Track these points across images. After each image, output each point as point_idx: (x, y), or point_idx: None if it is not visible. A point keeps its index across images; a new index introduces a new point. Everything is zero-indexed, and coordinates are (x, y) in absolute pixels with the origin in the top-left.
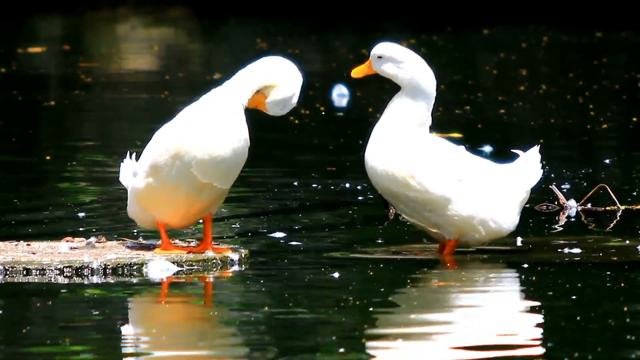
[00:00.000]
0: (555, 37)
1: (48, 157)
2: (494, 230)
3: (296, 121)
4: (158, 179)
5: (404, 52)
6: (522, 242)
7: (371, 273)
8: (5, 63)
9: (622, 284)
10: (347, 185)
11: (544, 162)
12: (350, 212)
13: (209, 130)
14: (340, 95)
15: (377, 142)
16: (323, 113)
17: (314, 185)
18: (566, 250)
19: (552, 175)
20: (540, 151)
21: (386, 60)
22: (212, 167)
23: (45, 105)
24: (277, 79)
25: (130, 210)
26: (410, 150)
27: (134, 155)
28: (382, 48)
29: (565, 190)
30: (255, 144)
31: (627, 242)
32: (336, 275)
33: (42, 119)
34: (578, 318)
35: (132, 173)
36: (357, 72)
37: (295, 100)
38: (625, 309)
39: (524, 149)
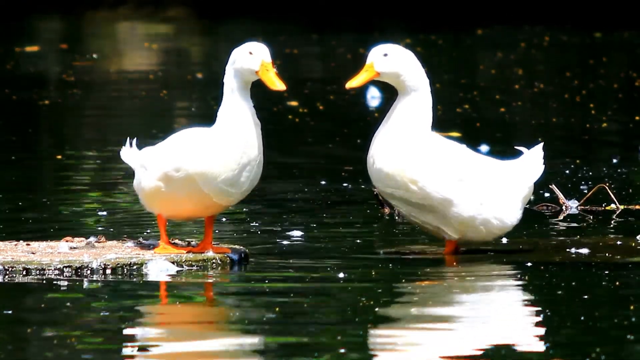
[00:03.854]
0: (553, 37)
1: (59, 157)
2: (497, 227)
3: (296, 119)
4: (168, 187)
5: (406, 50)
6: (508, 241)
7: (374, 273)
8: (0, 62)
9: (626, 283)
10: (347, 185)
11: (545, 161)
12: (350, 211)
13: (228, 159)
14: (373, 97)
15: (380, 147)
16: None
17: (315, 185)
18: (573, 250)
19: (552, 174)
20: (544, 148)
21: (392, 58)
22: (227, 191)
23: (40, 104)
24: None
25: (137, 189)
26: (412, 154)
27: (134, 142)
28: (388, 46)
29: (587, 189)
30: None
31: (628, 241)
32: (341, 275)
33: (37, 118)
34: (582, 318)
35: (140, 165)
36: (354, 82)
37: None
38: (632, 307)
39: (527, 147)
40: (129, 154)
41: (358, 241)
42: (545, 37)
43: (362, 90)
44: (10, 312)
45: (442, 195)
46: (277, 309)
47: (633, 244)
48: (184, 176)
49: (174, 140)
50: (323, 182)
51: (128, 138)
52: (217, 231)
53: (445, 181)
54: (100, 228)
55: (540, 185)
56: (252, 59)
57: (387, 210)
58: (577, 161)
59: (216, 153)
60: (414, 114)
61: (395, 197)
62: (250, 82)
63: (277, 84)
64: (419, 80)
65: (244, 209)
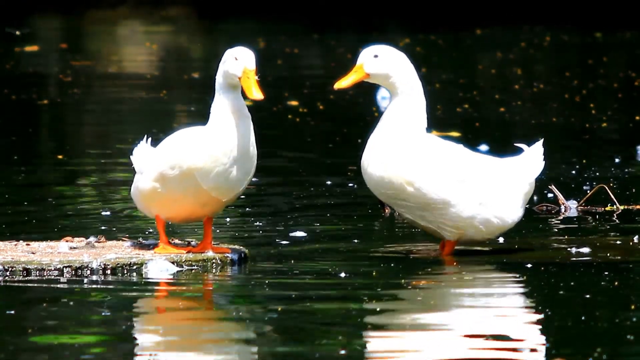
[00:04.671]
0: (553, 37)
1: (60, 157)
2: (497, 225)
3: (297, 119)
4: (164, 186)
5: (397, 52)
6: (504, 241)
7: (374, 273)
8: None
9: (626, 283)
10: (353, 184)
11: (545, 159)
12: (352, 211)
13: (218, 152)
14: (383, 98)
15: (374, 149)
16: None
17: (318, 185)
18: (573, 250)
19: (552, 174)
20: (544, 145)
21: (382, 59)
22: (223, 184)
23: (40, 104)
24: None
25: (134, 195)
26: (408, 156)
27: (149, 140)
28: (378, 47)
29: (587, 189)
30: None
31: (628, 241)
32: (342, 275)
33: (37, 118)
34: (583, 318)
35: (138, 170)
36: (343, 83)
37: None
38: (632, 307)
39: (527, 145)
40: (142, 152)
41: (359, 241)
42: (546, 37)
43: (368, 90)
44: (10, 312)
45: (440, 197)
46: (279, 308)
47: (633, 244)
48: (179, 173)
49: (167, 140)
50: (328, 182)
51: (145, 136)
52: (218, 231)
53: (442, 182)
54: (103, 228)
55: (540, 186)
56: (236, 64)
57: (387, 211)
58: (577, 161)
59: (206, 147)
60: (406, 115)
61: (392, 200)
62: (236, 84)
63: (254, 93)
64: (410, 82)
65: (247, 209)
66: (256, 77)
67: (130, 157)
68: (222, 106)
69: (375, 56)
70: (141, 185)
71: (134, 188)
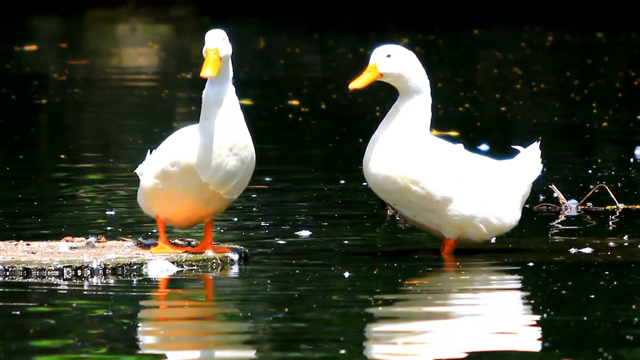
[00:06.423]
0: (555, 37)
1: (62, 156)
2: (496, 226)
3: (299, 119)
4: (166, 183)
5: (409, 52)
6: (495, 241)
7: (375, 272)
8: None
9: (626, 283)
10: (355, 184)
11: (544, 160)
12: (356, 211)
13: (217, 143)
14: None
15: (381, 149)
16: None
17: (317, 186)
18: (573, 250)
19: (552, 174)
20: (541, 147)
21: (395, 59)
22: (222, 177)
23: (40, 103)
24: None
25: (138, 195)
26: (414, 156)
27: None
28: (391, 47)
29: (588, 188)
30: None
31: (629, 241)
32: (346, 274)
33: (38, 118)
34: (585, 318)
35: (140, 172)
36: (358, 83)
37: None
38: (633, 307)
39: (524, 146)
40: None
41: (361, 241)
42: (548, 37)
43: (368, 89)
44: (10, 312)
45: (444, 195)
46: (285, 309)
47: (635, 244)
48: (179, 170)
49: (168, 139)
50: (325, 182)
51: (148, 151)
52: (221, 230)
53: (445, 180)
54: (106, 228)
55: (541, 185)
56: (204, 48)
57: (389, 211)
58: (578, 161)
59: (198, 141)
60: (414, 116)
61: (395, 199)
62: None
63: (204, 71)
64: (422, 82)
65: (254, 209)
66: (213, 56)
67: (136, 172)
68: (209, 98)
69: (388, 56)
70: (144, 183)
71: (138, 190)
